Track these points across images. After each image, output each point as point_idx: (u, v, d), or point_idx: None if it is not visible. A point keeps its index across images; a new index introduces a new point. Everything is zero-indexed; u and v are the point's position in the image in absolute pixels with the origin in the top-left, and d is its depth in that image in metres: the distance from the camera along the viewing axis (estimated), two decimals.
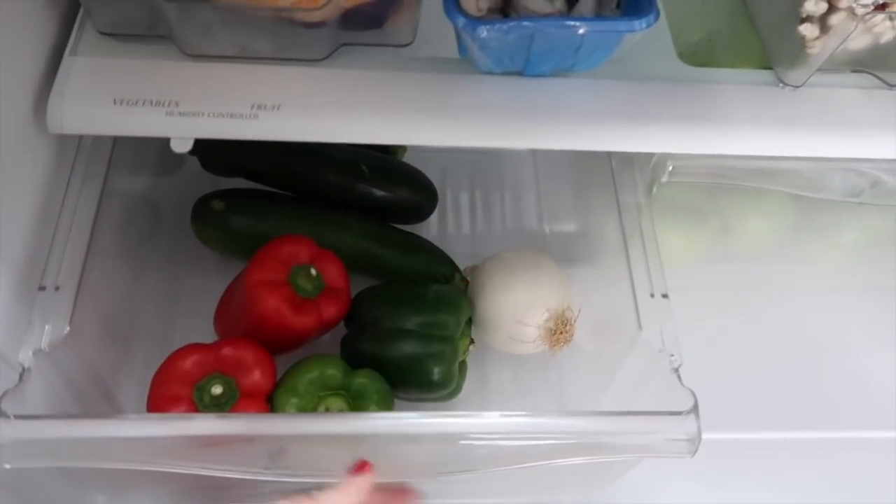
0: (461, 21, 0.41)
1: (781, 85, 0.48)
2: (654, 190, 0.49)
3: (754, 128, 0.46)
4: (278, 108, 0.44)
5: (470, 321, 0.55)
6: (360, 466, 0.40)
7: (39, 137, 0.45)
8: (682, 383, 0.45)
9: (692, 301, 0.66)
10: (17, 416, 0.38)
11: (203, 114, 0.43)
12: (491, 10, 0.44)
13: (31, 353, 0.42)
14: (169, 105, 0.43)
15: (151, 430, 0.40)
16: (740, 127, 0.45)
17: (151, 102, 0.43)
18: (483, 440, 0.41)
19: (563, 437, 0.41)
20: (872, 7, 0.42)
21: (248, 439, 0.40)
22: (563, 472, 0.49)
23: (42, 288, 0.44)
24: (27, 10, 0.44)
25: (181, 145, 0.44)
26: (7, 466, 0.38)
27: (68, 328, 0.43)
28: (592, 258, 0.59)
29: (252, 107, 0.44)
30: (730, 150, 0.45)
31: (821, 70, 0.46)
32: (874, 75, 0.49)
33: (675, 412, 0.42)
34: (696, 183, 0.49)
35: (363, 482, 0.39)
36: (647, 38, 0.43)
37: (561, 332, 0.53)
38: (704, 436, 0.62)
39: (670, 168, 0.47)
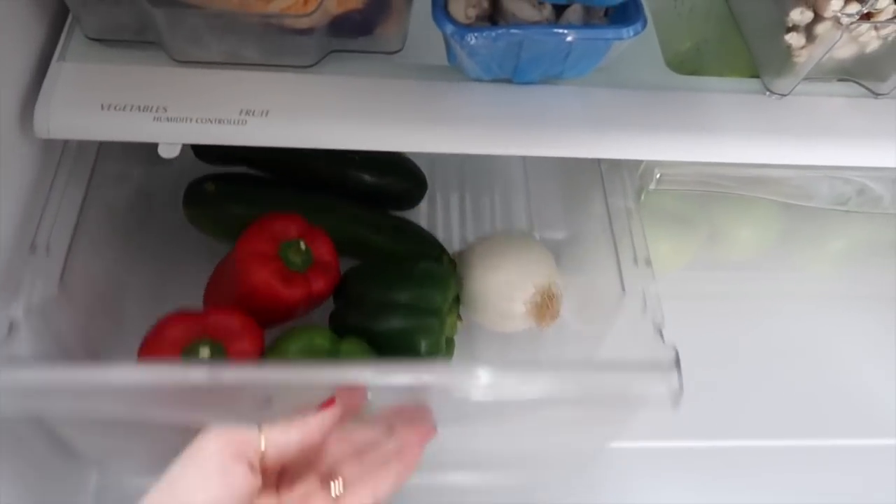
0: (450, 28, 0.41)
1: (768, 93, 0.48)
2: (643, 197, 0.50)
3: (741, 136, 0.46)
4: (266, 114, 0.44)
5: (458, 299, 0.56)
6: (326, 403, 0.38)
7: (26, 142, 0.45)
8: (664, 341, 0.45)
9: (680, 309, 0.66)
10: (6, 363, 0.38)
11: (191, 119, 0.43)
12: (479, 18, 0.44)
13: (20, 309, 0.42)
14: (157, 110, 0.43)
15: (139, 377, 0.38)
16: (727, 135, 0.46)
17: (139, 108, 0.43)
18: (468, 392, 0.40)
19: (548, 387, 0.41)
20: (857, 17, 0.43)
21: (238, 390, 0.39)
22: (548, 435, 0.50)
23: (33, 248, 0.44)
24: (15, 15, 0.44)
25: (169, 150, 0.44)
26: None
27: (57, 290, 0.44)
28: (578, 237, 0.60)
29: (241, 112, 0.44)
30: (717, 157, 0.45)
31: (807, 79, 0.47)
32: (860, 84, 0.49)
33: (657, 364, 0.42)
34: (684, 191, 0.49)
35: (323, 420, 0.37)
36: (636, 46, 0.43)
37: (548, 308, 0.54)
38: (696, 444, 0.62)
39: (658, 176, 0.47)
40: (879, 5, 0.42)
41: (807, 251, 0.61)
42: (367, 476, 0.38)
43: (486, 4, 0.44)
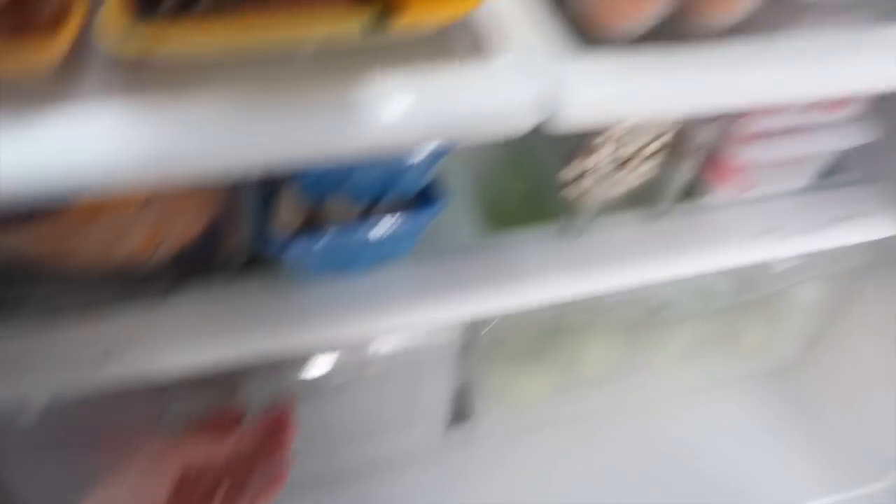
0: (270, 248, 0.47)
1: (566, 235, 0.55)
2: (487, 344, 0.54)
3: (542, 279, 0.52)
4: (126, 350, 0.48)
5: None
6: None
7: None
8: None
9: (552, 436, 0.70)
10: None
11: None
12: (305, 221, 0.50)
13: None
14: None
15: None
16: (531, 281, 0.52)
17: None
18: None
19: None
20: (615, 166, 0.51)
21: None
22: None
23: None
24: None
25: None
26: None
27: None
28: None
29: (102, 354, 0.47)
30: (526, 302, 0.51)
31: (600, 214, 0.54)
32: (643, 209, 0.57)
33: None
34: (523, 331, 0.54)
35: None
36: (455, 213, 0.49)
37: None
38: None
39: (483, 332, 0.52)
40: (625, 153, 0.51)
41: (654, 354, 0.66)
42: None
43: (304, 212, 0.50)
